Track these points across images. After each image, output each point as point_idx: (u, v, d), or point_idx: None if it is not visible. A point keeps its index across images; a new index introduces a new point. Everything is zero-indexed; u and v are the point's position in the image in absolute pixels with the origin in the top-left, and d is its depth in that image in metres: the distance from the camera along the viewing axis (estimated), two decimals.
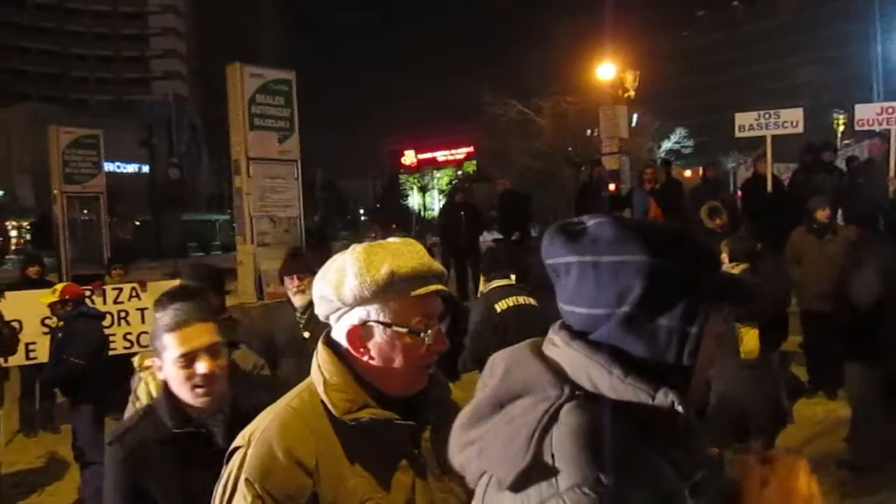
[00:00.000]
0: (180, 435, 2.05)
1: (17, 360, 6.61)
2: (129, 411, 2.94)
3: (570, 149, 31.09)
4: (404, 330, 1.46)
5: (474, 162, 65.88)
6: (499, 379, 1.08)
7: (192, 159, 69.25)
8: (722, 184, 11.40)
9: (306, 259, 4.38)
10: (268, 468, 1.41)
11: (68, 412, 5.97)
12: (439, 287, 1.50)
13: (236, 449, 1.48)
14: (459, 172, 68.75)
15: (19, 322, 6.67)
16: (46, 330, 6.76)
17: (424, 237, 16.23)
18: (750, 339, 4.76)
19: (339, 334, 1.51)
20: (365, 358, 1.49)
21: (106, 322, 6.67)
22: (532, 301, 4.81)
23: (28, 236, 49.80)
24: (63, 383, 5.84)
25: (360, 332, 1.48)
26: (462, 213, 11.95)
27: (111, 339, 6.70)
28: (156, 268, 25.25)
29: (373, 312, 1.47)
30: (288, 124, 9.13)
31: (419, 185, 72.77)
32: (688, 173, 27.50)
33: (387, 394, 1.50)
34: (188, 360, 2.03)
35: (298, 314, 4.16)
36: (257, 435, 1.46)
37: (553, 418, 0.97)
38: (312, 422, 1.47)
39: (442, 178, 70.69)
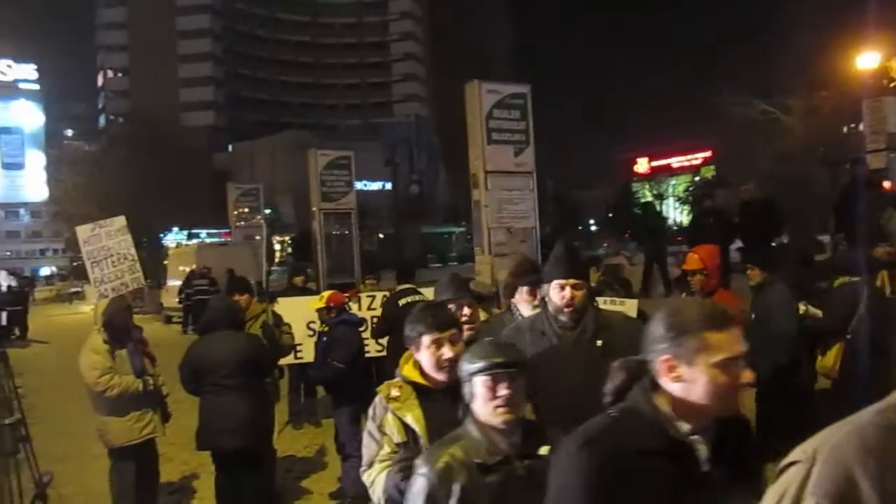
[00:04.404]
0: (667, 447, 1.73)
1: (287, 359, 7.36)
2: (369, 443, 2.78)
3: (821, 148, 28.41)
4: None
5: (712, 167, 62.58)
6: None
7: (431, 175, 72.97)
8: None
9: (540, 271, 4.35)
10: (843, 494, 1.16)
11: (330, 409, 6.55)
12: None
13: (793, 463, 1.25)
14: (696, 178, 65.73)
15: (288, 325, 7.46)
16: (311, 333, 7.49)
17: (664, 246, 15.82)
18: None
19: None
20: None
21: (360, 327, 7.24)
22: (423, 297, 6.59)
23: (289, 249, 55.24)
24: (326, 384, 6.41)
25: None
26: (711, 220, 11.51)
27: (366, 343, 7.26)
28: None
29: None
30: (523, 137, 9.32)
31: (654, 192, 70.51)
32: None
33: None
34: (734, 362, 1.73)
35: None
36: (825, 451, 1.20)
37: None
38: None
39: (678, 185, 68.02)
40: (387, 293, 8.07)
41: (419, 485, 2.29)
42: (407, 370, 2.80)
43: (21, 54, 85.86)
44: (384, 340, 7.01)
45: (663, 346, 1.75)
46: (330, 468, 6.73)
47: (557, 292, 3.11)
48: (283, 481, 6.37)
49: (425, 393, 2.71)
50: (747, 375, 1.73)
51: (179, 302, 21.22)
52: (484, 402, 2.29)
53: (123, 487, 5.43)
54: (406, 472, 2.49)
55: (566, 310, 3.10)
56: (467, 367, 2.34)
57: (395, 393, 2.73)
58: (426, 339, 2.71)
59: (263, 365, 5.43)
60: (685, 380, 1.72)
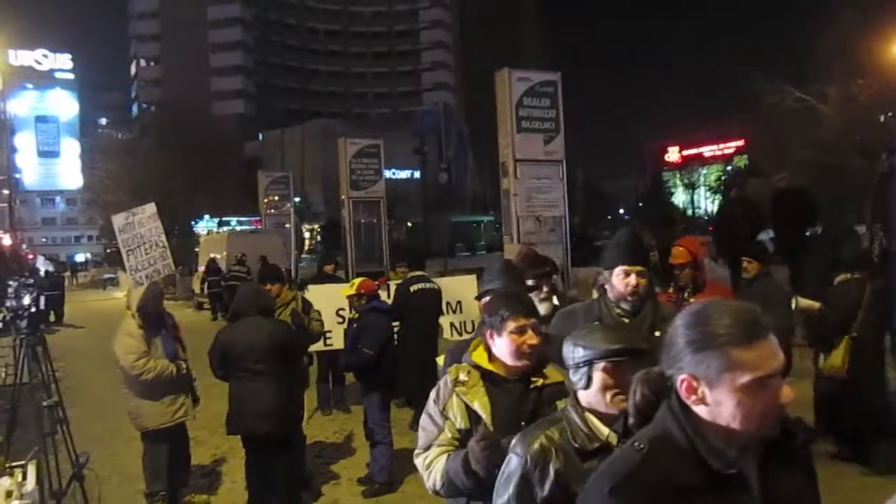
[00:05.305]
0: (710, 482, 1.47)
1: (317, 346, 7.40)
2: (428, 425, 2.68)
3: (857, 137, 27.82)
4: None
5: (745, 156, 61.68)
6: None
7: (459, 164, 72.82)
8: None
9: (552, 262, 4.25)
10: None
11: (359, 396, 6.60)
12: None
13: None
14: (729, 168, 64.88)
15: (318, 312, 7.51)
16: (340, 320, 7.55)
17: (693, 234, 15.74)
18: None
19: None
20: None
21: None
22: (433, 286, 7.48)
23: (319, 238, 55.54)
24: (356, 370, 6.46)
25: None
26: (738, 210, 11.33)
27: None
28: (428, 266, 26.89)
29: None
30: (553, 125, 9.27)
31: (685, 182, 69.78)
32: None
33: None
34: (766, 382, 1.47)
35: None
36: None
37: None
38: None
39: (710, 175, 67.21)
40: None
41: (513, 465, 2.14)
42: (476, 356, 2.71)
43: (56, 44, 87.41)
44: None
45: (681, 363, 1.51)
46: (358, 454, 6.79)
47: (622, 279, 3.03)
48: (312, 466, 6.45)
49: (493, 380, 2.63)
50: (786, 394, 1.47)
51: (202, 291, 21.46)
52: (599, 389, 2.17)
53: (156, 469, 5.53)
54: (492, 449, 2.38)
55: (630, 297, 3.02)
56: (583, 352, 2.19)
57: (463, 377, 2.64)
58: (511, 324, 2.60)
59: (292, 351, 5.48)
60: (709, 403, 1.47)
